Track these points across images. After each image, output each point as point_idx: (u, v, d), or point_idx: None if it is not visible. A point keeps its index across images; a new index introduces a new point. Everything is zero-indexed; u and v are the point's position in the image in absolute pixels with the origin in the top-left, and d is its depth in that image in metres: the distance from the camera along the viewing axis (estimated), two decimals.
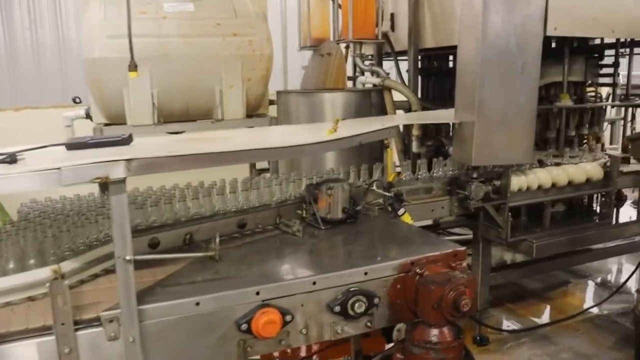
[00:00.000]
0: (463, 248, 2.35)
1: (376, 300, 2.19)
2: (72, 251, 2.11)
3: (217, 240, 2.18)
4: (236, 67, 4.69)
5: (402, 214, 2.90)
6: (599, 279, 5.59)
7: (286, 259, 2.38)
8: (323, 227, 2.72)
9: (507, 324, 4.65)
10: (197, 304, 1.96)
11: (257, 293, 2.04)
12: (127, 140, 2.22)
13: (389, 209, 2.94)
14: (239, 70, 4.70)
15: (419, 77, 5.21)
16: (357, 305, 2.14)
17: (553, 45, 4.38)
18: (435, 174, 3.43)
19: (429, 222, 4.22)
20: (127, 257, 1.81)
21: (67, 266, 2.03)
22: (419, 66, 5.20)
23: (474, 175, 3.31)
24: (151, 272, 2.18)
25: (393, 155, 4.25)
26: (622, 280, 5.09)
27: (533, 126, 3.31)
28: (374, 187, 3.02)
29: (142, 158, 1.85)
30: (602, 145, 4.87)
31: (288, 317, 2.05)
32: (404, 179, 3.35)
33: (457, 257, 2.33)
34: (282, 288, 2.08)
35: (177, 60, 4.60)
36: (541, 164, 3.76)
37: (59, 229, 2.17)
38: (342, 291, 2.15)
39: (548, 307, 4.99)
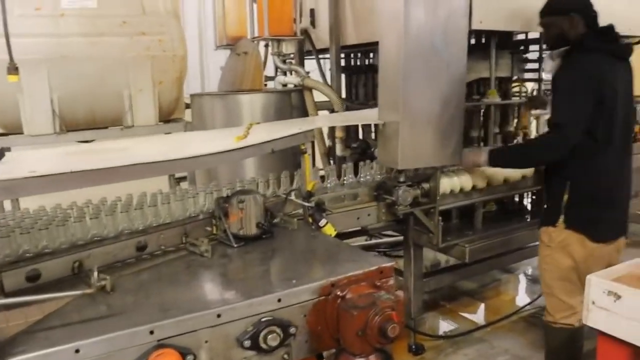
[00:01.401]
0: (390, 264, 2.12)
1: (292, 330, 1.92)
2: None
3: (96, 274, 1.84)
4: (145, 69, 4.33)
5: (324, 225, 2.66)
6: (530, 273, 5.55)
7: (190, 287, 2.08)
8: (235, 245, 2.44)
9: (444, 327, 4.51)
10: (77, 351, 1.63)
11: (151, 332, 1.73)
12: None
13: (310, 220, 2.68)
14: (149, 72, 4.34)
15: (344, 76, 5.01)
16: (270, 337, 1.87)
17: (481, 40, 4.25)
18: (361, 179, 3.19)
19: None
20: None
21: None
22: (343, 64, 5.00)
23: (401, 179, 3.10)
24: (24, 312, 1.83)
25: (320, 159, 4.04)
26: None
27: (461, 124, 3.15)
28: (293, 197, 2.76)
29: None
30: None
31: (189, 358, 1.75)
32: (328, 185, 3.11)
33: (383, 275, 2.09)
34: (181, 324, 1.78)
35: (79, 62, 4.19)
36: None
37: None
38: (253, 322, 1.88)
39: (483, 306, 4.89)
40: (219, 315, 1.83)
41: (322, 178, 3.24)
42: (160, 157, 2.00)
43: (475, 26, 3.16)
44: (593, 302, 2.11)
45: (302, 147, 2.62)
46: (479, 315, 4.75)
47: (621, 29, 4.02)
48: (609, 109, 2.81)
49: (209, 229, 2.56)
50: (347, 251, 2.35)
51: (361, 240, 5.23)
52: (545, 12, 3.00)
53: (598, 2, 3.56)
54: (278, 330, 1.88)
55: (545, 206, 3.17)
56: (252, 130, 2.84)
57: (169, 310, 1.85)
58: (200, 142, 2.64)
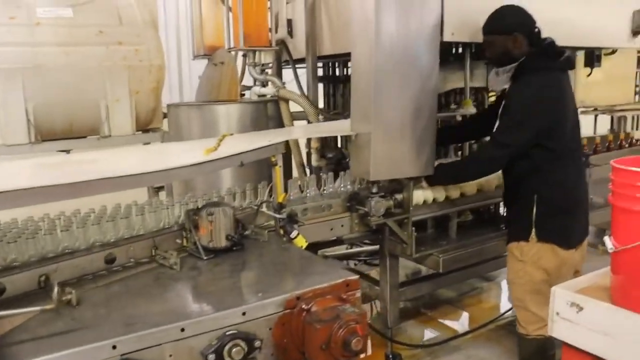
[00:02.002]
0: (356, 277, 2.13)
1: (257, 344, 1.93)
2: None
3: (56, 289, 1.83)
4: (122, 78, 4.31)
5: (295, 237, 2.66)
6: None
7: (156, 300, 2.07)
8: (205, 258, 2.44)
9: (423, 336, 4.52)
10: None
11: (114, 347, 1.74)
12: None
13: (281, 231, 2.69)
14: (126, 82, 4.32)
15: (322, 85, 5.02)
16: (234, 350, 1.88)
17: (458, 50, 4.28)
18: (335, 189, 3.20)
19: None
20: None
21: None
22: (322, 74, 5.01)
23: (374, 190, 3.10)
24: None
25: (296, 170, 4.03)
26: None
27: (434, 135, 3.16)
28: (264, 209, 2.76)
29: None
30: None
31: None
32: (306, 195, 3.12)
33: (350, 287, 2.11)
34: (145, 338, 1.79)
35: (55, 71, 4.16)
36: None
37: None
38: (217, 336, 1.88)
39: (462, 314, 4.91)
40: (182, 329, 1.83)
41: (300, 189, 3.24)
42: (127, 171, 1.99)
43: (447, 38, 3.18)
44: (557, 314, 2.14)
45: (273, 159, 2.62)
46: (458, 324, 4.76)
47: (588, 42, 4.12)
48: (566, 123, 2.92)
49: (179, 241, 2.56)
50: (315, 263, 2.36)
51: (342, 249, 5.24)
52: (487, 31, 3.04)
53: (561, 16, 3.64)
54: (242, 343, 1.89)
55: (512, 222, 3.20)
56: (225, 141, 2.85)
57: (133, 324, 1.85)
58: (172, 154, 2.63)
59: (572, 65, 3.08)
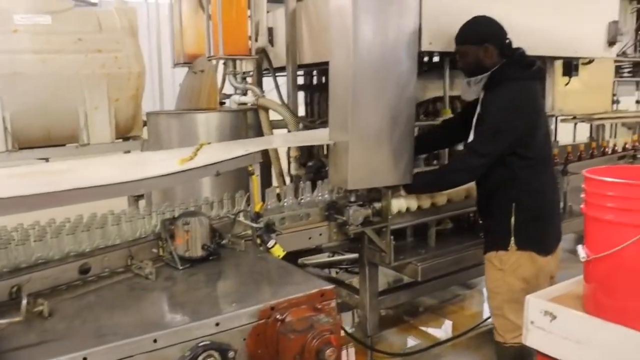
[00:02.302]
0: (331, 286, 2.13)
1: (231, 354, 1.91)
2: None
3: (25, 301, 1.81)
4: (101, 86, 4.29)
5: (272, 246, 2.65)
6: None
7: (130, 311, 2.05)
8: (181, 267, 2.43)
9: (404, 344, 4.52)
10: None
11: (84, 359, 1.71)
12: None
13: (258, 241, 2.68)
14: (105, 89, 4.30)
15: (304, 94, 5.03)
16: None
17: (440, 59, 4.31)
18: (313, 198, 3.20)
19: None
20: None
21: None
22: (302, 82, 5.02)
23: (352, 199, 3.10)
24: None
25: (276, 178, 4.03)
26: None
27: (412, 144, 3.16)
28: (241, 218, 2.75)
29: None
30: None
31: None
32: (284, 204, 3.11)
33: (325, 297, 2.10)
34: (116, 350, 1.77)
35: (33, 79, 4.14)
36: None
37: None
38: (191, 347, 1.86)
39: (444, 322, 4.91)
40: (155, 340, 1.82)
41: (278, 196, 3.24)
42: (101, 181, 1.98)
43: (425, 48, 3.20)
44: (532, 322, 2.15)
45: (250, 169, 2.62)
46: (439, 331, 4.77)
47: (565, 51, 4.17)
48: (539, 131, 2.97)
49: (155, 250, 2.54)
50: (291, 273, 2.35)
51: (324, 257, 5.24)
52: (459, 41, 3.08)
53: (539, 26, 3.69)
54: (216, 354, 1.87)
55: (490, 231, 3.20)
56: (203, 150, 2.84)
57: (105, 335, 1.83)
58: (148, 164, 2.62)
59: (543, 75, 3.13)
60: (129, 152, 4.86)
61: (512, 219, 2.94)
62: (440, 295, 5.32)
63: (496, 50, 2.98)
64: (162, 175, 2.13)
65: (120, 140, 4.75)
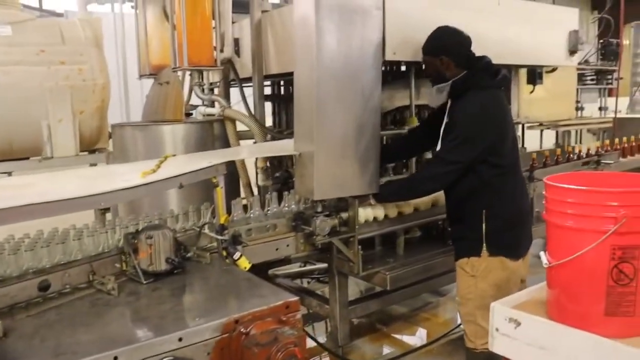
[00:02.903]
0: (295, 298, 2.11)
1: None
2: None
3: None
4: (65, 98, 4.22)
5: (238, 258, 2.62)
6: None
7: (90, 328, 2.00)
8: (145, 282, 2.38)
9: (375, 353, 4.50)
10: None
11: None
12: None
13: (224, 253, 2.65)
14: (69, 102, 4.23)
15: (271, 104, 5.01)
16: None
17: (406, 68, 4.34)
18: (280, 209, 3.18)
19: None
20: None
21: None
22: (271, 92, 5.01)
23: (319, 209, 3.10)
24: None
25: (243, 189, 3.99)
26: None
27: (377, 153, 3.18)
28: (207, 230, 2.72)
29: None
30: None
31: None
32: (251, 215, 3.09)
33: (290, 310, 2.08)
34: None
35: None
36: None
37: None
38: None
39: (417, 330, 4.91)
40: (116, 358, 1.78)
41: (245, 207, 3.22)
42: (58, 196, 1.94)
43: (389, 57, 3.22)
44: (497, 329, 2.16)
45: (214, 180, 2.59)
46: (412, 339, 4.76)
47: (529, 60, 4.25)
48: (508, 138, 3.01)
49: (118, 265, 2.50)
50: (257, 286, 2.32)
51: (295, 267, 5.22)
52: (423, 51, 3.15)
53: (503, 36, 3.74)
54: None
55: (461, 238, 3.18)
56: (166, 163, 2.81)
57: (63, 354, 1.79)
58: (111, 177, 2.57)
59: (508, 83, 3.17)
60: (95, 164, 4.79)
61: (484, 226, 2.96)
62: (412, 303, 5.33)
63: (452, 62, 3.02)
64: (123, 189, 2.09)
65: (86, 153, 4.67)
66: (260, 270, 4.21)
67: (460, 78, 2.99)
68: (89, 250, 2.51)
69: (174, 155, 3.05)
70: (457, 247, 3.21)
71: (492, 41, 3.89)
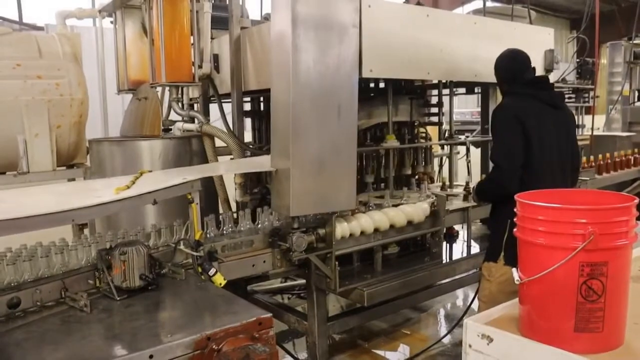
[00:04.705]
0: (268, 315, 2.10)
1: None
2: None
3: None
4: (42, 113, 4.18)
5: (213, 275, 2.61)
6: (441, 312, 5.63)
7: (60, 346, 1.98)
8: (118, 298, 2.36)
9: None
10: None
11: None
12: None
13: (199, 269, 2.63)
14: (45, 116, 4.20)
15: (251, 120, 5.02)
16: None
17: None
18: (261, 224, 3.17)
19: None
20: None
21: None
22: (251, 108, 5.02)
23: (295, 225, 3.10)
24: None
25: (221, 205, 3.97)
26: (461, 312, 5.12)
27: (354, 170, 3.19)
28: (182, 247, 2.70)
29: None
30: (432, 181, 4.96)
31: None
32: (226, 232, 3.08)
33: (262, 326, 2.07)
34: None
35: None
36: (365, 206, 3.64)
37: None
38: None
39: (398, 346, 4.90)
40: None
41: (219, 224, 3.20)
42: (25, 212, 1.92)
43: (366, 74, 3.25)
44: (470, 346, 2.17)
45: (189, 197, 2.58)
46: (393, 355, 4.76)
47: None
48: (535, 145, 3.09)
49: (91, 281, 2.47)
50: (230, 302, 2.31)
51: (277, 282, 5.20)
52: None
53: (479, 54, 3.80)
54: None
55: (489, 242, 3.36)
56: (142, 179, 2.80)
57: None
58: (85, 193, 2.55)
59: (555, 100, 3.35)
60: (73, 179, 4.75)
61: (506, 235, 3.04)
62: (393, 319, 5.32)
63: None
64: (94, 205, 2.07)
65: (63, 168, 4.63)
66: (239, 286, 4.22)
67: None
68: (59, 266, 2.48)
69: (150, 171, 3.03)
70: (486, 250, 3.38)
71: (466, 59, 3.95)
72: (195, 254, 2.65)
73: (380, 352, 4.71)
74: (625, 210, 1.95)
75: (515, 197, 2.12)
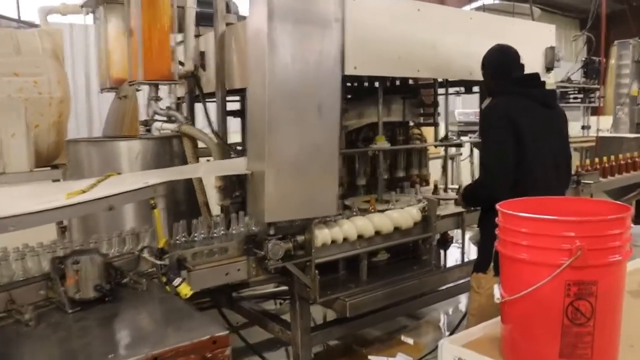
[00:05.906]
0: (224, 333, 1.92)
1: None
2: None
3: None
4: (18, 112, 4.03)
5: (179, 285, 2.43)
6: (441, 318, 5.46)
7: None
8: (70, 311, 2.20)
9: None
10: None
11: None
12: None
13: (163, 279, 2.46)
14: (22, 115, 4.04)
15: (240, 120, 4.84)
16: None
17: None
18: (232, 232, 2.98)
19: None
20: None
21: None
22: (239, 107, 4.83)
23: (271, 232, 2.90)
24: None
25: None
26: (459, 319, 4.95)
27: (336, 173, 3.00)
28: (146, 255, 2.53)
29: None
30: (428, 184, 4.78)
31: None
32: (197, 238, 2.89)
33: (217, 345, 1.89)
34: None
35: None
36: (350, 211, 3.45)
37: None
38: None
39: (397, 354, 4.73)
40: None
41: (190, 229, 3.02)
42: None
43: (349, 72, 3.07)
44: None
45: (152, 202, 2.41)
46: None
47: None
48: (528, 145, 2.89)
49: (43, 292, 2.30)
50: (188, 317, 2.13)
51: (269, 287, 5.03)
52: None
53: (474, 51, 3.61)
54: None
55: (478, 253, 3.18)
56: (106, 182, 2.63)
57: None
58: (37, 197, 2.37)
59: (546, 98, 3.19)
60: (58, 180, 4.59)
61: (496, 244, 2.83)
62: (388, 326, 5.16)
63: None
64: (37, 212, 1.90)
65: (43, 168, 4.48)
66: (224, 292, 4.04)
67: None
68: (8, 276, 2.31)
69: (119, 174, 2.86)
70: (475, 260, 3.21)
71: (461, 56, 3.75)
72: (158, 262, 2.47)
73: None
74: (618, 222, 1.75)
75: (497, 206, 1.93)
